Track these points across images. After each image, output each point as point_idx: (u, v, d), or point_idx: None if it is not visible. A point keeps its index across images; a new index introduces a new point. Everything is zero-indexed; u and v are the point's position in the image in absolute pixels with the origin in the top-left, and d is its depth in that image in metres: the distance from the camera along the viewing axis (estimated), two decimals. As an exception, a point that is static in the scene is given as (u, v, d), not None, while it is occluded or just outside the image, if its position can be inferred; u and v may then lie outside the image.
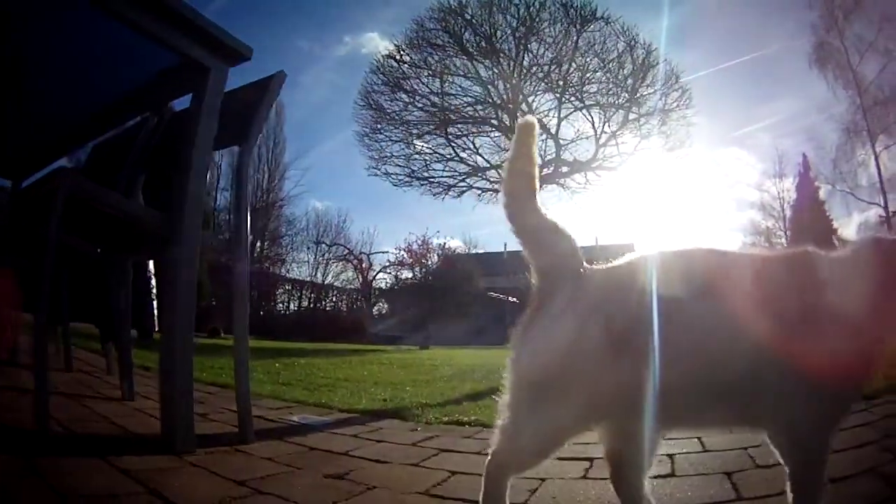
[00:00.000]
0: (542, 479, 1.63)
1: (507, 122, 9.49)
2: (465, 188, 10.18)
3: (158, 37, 1.86)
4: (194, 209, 1.94)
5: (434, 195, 10.48)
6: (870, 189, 32.97)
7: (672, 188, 56.76)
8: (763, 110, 53.16)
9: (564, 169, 9.82)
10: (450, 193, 10.27)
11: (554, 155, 9.80)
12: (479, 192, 10.10)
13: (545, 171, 9.45)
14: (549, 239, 1.20)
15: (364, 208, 57.95)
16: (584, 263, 1.18)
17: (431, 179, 10.26)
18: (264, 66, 2.39)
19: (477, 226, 64.06)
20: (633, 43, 9.76)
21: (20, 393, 2.38)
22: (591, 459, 1.79)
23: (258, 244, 29.53)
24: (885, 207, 29.43)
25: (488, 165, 9.94)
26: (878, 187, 30.45)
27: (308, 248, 31.52)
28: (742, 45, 49.97)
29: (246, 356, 2.22)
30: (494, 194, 10.11)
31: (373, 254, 30.56)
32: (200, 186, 1.97)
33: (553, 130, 9.75)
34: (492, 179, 9.99)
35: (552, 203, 10.39)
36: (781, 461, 1.08)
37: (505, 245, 27.29)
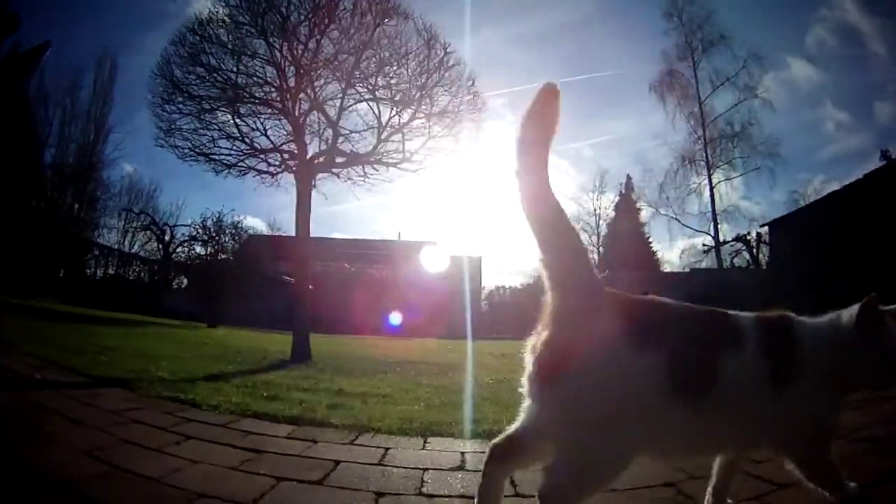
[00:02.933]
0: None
1: (290, 107, 9.52)
2: (244, 169, 10.15)
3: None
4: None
5: (217, 173, 10.13)
6: (699, 217, 35.32)
7: (480, 189, 58.77)
8: (594, 128, 57.05)
9: (339, 159, 9.97)
10: (231, 172, 10.17)
11: (330, 144, 9.92)
12: (257, 173, 10.12)
13: (319, 159, 9.68)
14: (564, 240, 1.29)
15: (180, 180, 54.70)
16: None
17: (213, 157, 10.13)
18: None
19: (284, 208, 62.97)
20: (431, 42, 9.87)
21: None
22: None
23: (76, 207, 27.70)
24: (716, 237, 32.14)
25: (270, 147, 9.89)
26: (710, 216, 33.02)
27: (119, 215, 29.89)
28: (587, 63, 53.24)
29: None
30: (274, 178, 10.22)
31: (176, 226, 29.32)
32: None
33: (334, 118, 9.86)
34: (271, 162, 10.02)
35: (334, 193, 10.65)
36: None
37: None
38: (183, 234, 25.99)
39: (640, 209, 39.89)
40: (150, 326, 10.37)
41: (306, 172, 9.34)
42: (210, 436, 2.41)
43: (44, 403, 2.66)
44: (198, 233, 20.71)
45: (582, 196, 47.41)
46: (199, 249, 21.03)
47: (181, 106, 9.76)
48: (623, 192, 41.86)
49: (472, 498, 1.65)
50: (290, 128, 9.76)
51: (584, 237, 32.08)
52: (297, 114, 9.69)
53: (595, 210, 41.95)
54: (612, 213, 42.11)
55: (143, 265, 28.18)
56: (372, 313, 21.05)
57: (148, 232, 29.68)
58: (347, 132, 10.16)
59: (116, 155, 30.04)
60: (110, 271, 26.55)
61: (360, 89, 9.97)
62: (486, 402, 3.56)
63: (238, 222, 20.84)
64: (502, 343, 13.54)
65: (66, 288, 21.03)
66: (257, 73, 9.67)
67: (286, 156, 9.98)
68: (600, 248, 41.65)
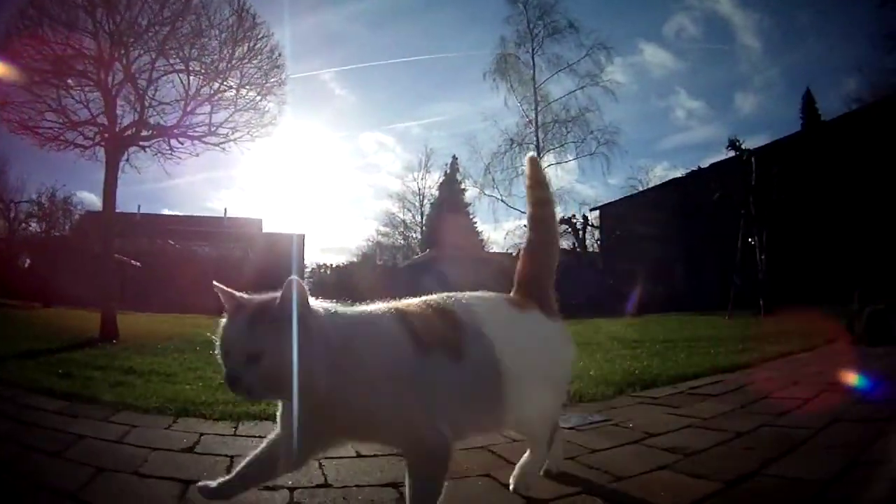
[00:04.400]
0: None
1: (103, 78, 9.22)
2: (64, 143, 9.65)
3: None
4: None
5: (40, 147, 9.60)
6: (525, 200, 36.51)
7: (308, 165, 57.85)
8: (425, 109, 57.03)
9: (145, 132, 9.74)
10: (51, 146, 9.68)
11: (137, 117, 9.63)
12: (75, 147, 9.70)
13: (127, 132, 9.47)
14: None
15: (27, 154, 48.86)
16: None
17: (38, 130, 9.63)
18: None
19: (122, 183, 58.50)
20: (241, 12, 9.76)
21: None
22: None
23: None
24: None
25: (88, 119, 9.52)
26: None
27: None
28: (425, 44, 52.46)
29: None
30: (93, 150, 9.76)
31: (21, 202, 26.83)
32: None
33: (143, 90, 9.60)
34: (86, 135, 9.61)
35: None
36: None
37: (139, 207, 25.97)
38: (23, 211, 23.94)
39: (465, 190, 40.49)
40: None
41: (115, 145, 9.19)
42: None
43: None
44: (34, 209, 19.27)
45: (407, 175, 47.97)
46: (34, 226, 19.58)
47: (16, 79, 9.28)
48: (448, 171, 42.50)
49: (184, 481, 1.81)
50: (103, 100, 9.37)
51: (408, 216, 33.78)
52: (109, 85, 9.35)
53: (420, 189, 42.97)
54: (436, 193, 42.85)
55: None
56: (198, 292, 20.31)
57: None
58: (157, 104, 9.87)
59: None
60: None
61: (172, 60, 9.73)
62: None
63: (68, 198, 19.54)
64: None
65: None
66: (77, 46, 9.28)
67: (101, 128, 9.51)
68: (423, 227, 42.31)
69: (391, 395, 1.34)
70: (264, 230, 30.75)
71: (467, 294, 1.62)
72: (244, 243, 27.31)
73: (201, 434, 2.45)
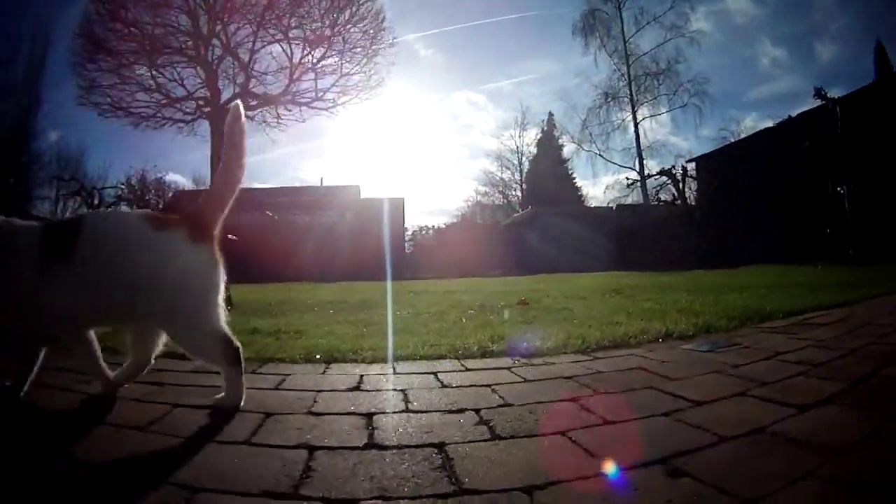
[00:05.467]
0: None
1: (202, 53, 9.47)
2: (161, 120, 10.01)
3: None
4: None
5: (135, 126, 10.21)
6: (623, 153, 35.41)
7: (401, 129, 58.76)
8: (516, 67, 56.84)
9: (252, 102, 9.97)
10: (149, 124, 10.01)
11: (242, 87, 10.00)
12: (174, 123, 9.98)
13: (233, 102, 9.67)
14: None
15: (106, 143, 52.11)
16: None
17: (132, 110, 9.88)
18: None
19: (207, 162, 60.60)
20: None
21: None
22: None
23: (11, 181, 26.04)
24: (641, 172, 32.54)
25: (185, 95, 9.90)
26: (635, 152, 33.38)
27: (50, 184, 28.65)
28: (511, 4, 52.41)
29: None
30: (192, 126, 10.29)
31: (104, 189, 28.17)
32: None
33: (246, 61, 9.88)
34: (185, 111, 9.99)
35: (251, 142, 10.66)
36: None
37: None
38: (110, 196, 25.06)
39: (562, 146, 40.57)
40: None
41: (220, 117, 9.11)
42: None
43: None
44: (123, 193, 19.96)
45: (503, 134, 47.38)
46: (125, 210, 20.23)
47: (102, 63, 9.70)
48: (545, 128, 42.15)
49: (360, 415, 1.79)
50: (204, 75, 9.70)
51: (507, 175, 35.35)
52: (210, 60, 9.64)
53: (518, 147, 42.56)
54: (534, 151, 42.35)
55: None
56: (297, 260, 20.87)
57: (78, 198, 28.46)
58: (260, 74, 10.20)
59: (45, 125, 28.94)
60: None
61: (271, 31, 9.92)
62: (400, 332, 3.65)
63: (161, 178, 20.18)
64: (425, 282, 13.86)
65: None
66: (171, 24, 9.51)
67: (201, 102, 9.91)
68: (523, 185, 42.06)
69: None
70: (362, 196, 30.68)
71: None
72: (342, 210, 27.28)
73: (361, 375, 2.40)
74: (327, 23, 9.86)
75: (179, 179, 30.19)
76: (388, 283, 12.55)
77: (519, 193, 42.19)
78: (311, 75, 10.14)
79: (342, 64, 10.21)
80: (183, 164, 56.49)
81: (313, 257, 21.34)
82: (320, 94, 10.17)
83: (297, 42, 9.96)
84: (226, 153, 2.00)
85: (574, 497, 1.21)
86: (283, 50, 10.08)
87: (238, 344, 1.91)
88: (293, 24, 9.86)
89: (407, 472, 1.34)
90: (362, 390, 2.16)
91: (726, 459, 1.35)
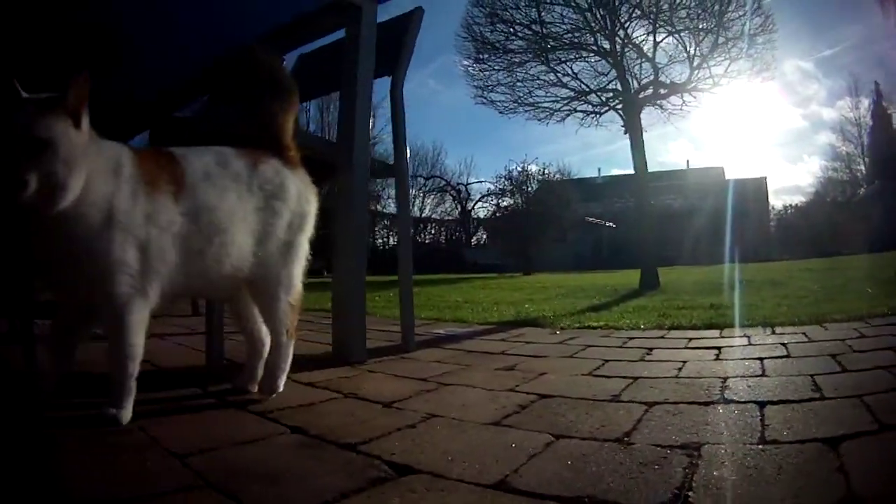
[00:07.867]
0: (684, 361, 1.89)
1: (607, 47, 9.82)
2: (567, 112, 10.66)
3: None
4: (364, 136, 2.11)
5: (539, 120, 11.04)
6: None
7: (754, 110, 54.10)
8: (832, 35, 49.29)
9: (663, 91, 10.22)
10: (553, 118, 10.81)
11: (652, 77, 10.21)
12: (581, 115, 10.62)
13: (644, 93, 9.94)
14: None
15: (454, 140, 58.12)
16: None
17: (537, 105, 10.81)
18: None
19: (571, 152, 62.34)
20: None
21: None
22: (718, 348, 2.14)
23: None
24: None
25: (588, 89, 10.50)
26: None
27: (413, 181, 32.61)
28: None
29: (410, 281, 2.47)
30: (596, 117, 10.80)
31: (470, 184, 30.85)
32: (366, 114, 2.12)
33: (650, 54, 10.19)
34: (593, 103, 10.53)
35: (652, 126, 10.54)
36: None
37: (599, 170, 27.01)
38: (477, 191, 27.07)
39: (891, 114, 34.56)
40: (466, 282, 10.63)
41: (633, 107, 9.86)
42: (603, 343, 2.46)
43: (487, 350, 2.34)
44: (502, 185, 21.07)
45: (838, 102, 40.82)
46: (506, 202, 21.30)
47: (491, 63, 10.87)
48: (875, 99, 35.83)
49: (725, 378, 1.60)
50: (609, 68, 10.38)
51: (850, 148, 30.88)
52: (618, 53, 10.15)
53: (856, 119, 37.01)
54: (870, 122, 36.25)
55: (440, 226, 30.03)
56: (676, 244, 21.23)
57: (439, 194, 31.60)
58: (662, 65, 10.57)
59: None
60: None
61: (665, 25, 10.29)
62: None
63: (544, 169, 20.94)
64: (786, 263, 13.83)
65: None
66: (558, 21, 10.39)
67: (609, 95, 10.59)
68: (865, 158, 36.67)
69: None
70: (727, 177, 30.42)
71: None
72: (707, 192, 26.74)
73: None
74: (712, 13, 10.06)
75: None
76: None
77: (862, 167, 36.68)
78: (706, 64, 10.34)
79: (729, 50, 10.26)
80: (543, 154, 59.93)
81: (690, 241, 21.57)
82: (717, 81, 10.33)
83: (686, 34, 10.26)
84: None
85: None
86: (679, 41, 10.39)
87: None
88: (683, 17, 10.21)
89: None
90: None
91: None
